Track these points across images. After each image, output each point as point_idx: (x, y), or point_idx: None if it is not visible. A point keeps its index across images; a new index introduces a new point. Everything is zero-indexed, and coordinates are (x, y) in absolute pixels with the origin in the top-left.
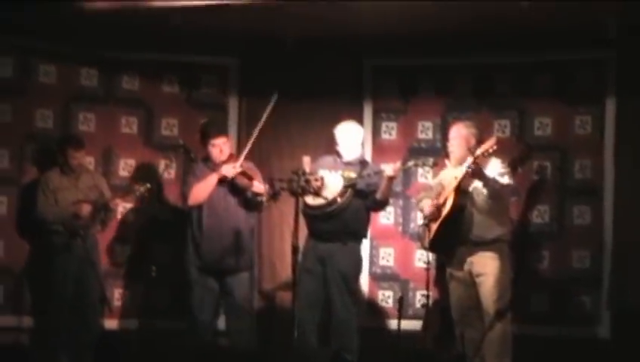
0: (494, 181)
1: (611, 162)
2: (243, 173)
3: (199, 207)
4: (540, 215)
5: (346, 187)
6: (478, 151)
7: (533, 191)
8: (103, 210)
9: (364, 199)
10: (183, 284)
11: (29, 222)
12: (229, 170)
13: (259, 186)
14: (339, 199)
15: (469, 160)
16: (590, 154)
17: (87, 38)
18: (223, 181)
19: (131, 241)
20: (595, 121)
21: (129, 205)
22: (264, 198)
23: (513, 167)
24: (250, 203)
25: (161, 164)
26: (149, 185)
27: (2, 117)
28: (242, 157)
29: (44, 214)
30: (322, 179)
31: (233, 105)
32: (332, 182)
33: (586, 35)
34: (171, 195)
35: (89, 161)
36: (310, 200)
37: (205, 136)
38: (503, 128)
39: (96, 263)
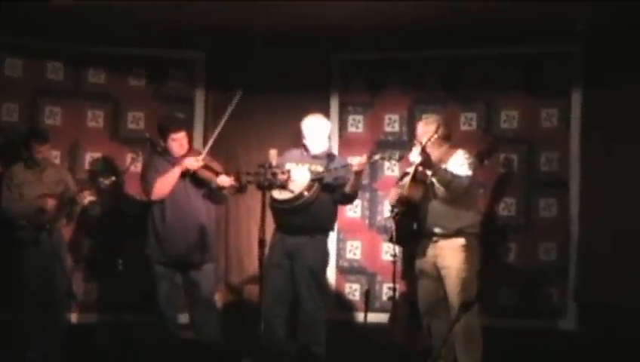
0: (444, 171)
1: (577, 155)
2: (206, 166)
3: (161, 201)
4: (507, 207)
5: (312, 181)
6: (423, 141)
7: (499, 183)
8: (69, 204)
9: (333, 193)
10: (151, 278)
11: None
12: (193, 163)
13: (224, 179)
14: (306, 193)
15: (417, 151)
16: (556, 146)
17: (53, 31)
18: (185, 174)
19: (98, 235)
20: (561, 113)
21: (95, 198)
22: (229, 191)
23: (480, 159)
24: (214, 195)
25: (128, 158)
26: (113, 178)
27: None
28: (206, 151)
29: (8, 209)
30: (289, 172)
31: (200, 99)
32: (299, 176)
33: (554, 27)
34: (138, 189)
35: (55, 155)
36: (277, 194)
37: (165, 131)
38: (469, 121)
39: (63, 257)
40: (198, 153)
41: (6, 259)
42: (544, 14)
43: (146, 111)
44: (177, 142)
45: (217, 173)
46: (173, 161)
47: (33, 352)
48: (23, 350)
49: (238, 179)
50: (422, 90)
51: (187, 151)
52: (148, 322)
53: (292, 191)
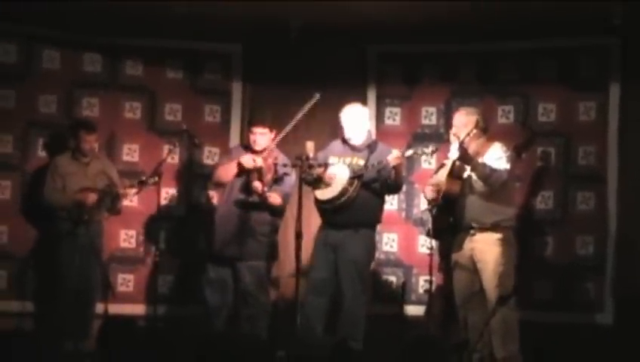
0: (483, 165)
1: (615, 148)
2: (258, 170)
3: (222, 194)
4: (544, 201)
5: (352, 178)
6: (462, 136)
7: (536, 177)
8: (110, 197)
9: (379, 186)
10: (190, 270)
11: (35, 207)
12: (248, 161)
13: (257, 185)
14: (346, 191)
15: (456, 145)
16: (594, 140)
17: (91, 23)
18: (242, 170)
19: (138, 227)
20: (599, 107)
21: (134, 190)
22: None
23: (517, 153)
24: (268, 206)
25: (165, 150)
26: (156, 179)
27: (6, 103)
28: (266, 152)
29: (50, 199)
30: (326, 166)
31: (236, 91)
32: (339, 172)
33: (591, 21)
34: (175, 181)
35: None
36: (319, 194)
37: (249, 123)
38: (506, 114)
39: (99, 250)
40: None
41: (44, 249)
42: (581, 7)
43: (182, 103)
44: (254, 135)
45: (260, 179)
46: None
47: (70, 342)
48: (60, 341)
49: (275, 171)
50: (459, 83)
51: (263, 149)
52: (184, 314)
53: (333, 190)
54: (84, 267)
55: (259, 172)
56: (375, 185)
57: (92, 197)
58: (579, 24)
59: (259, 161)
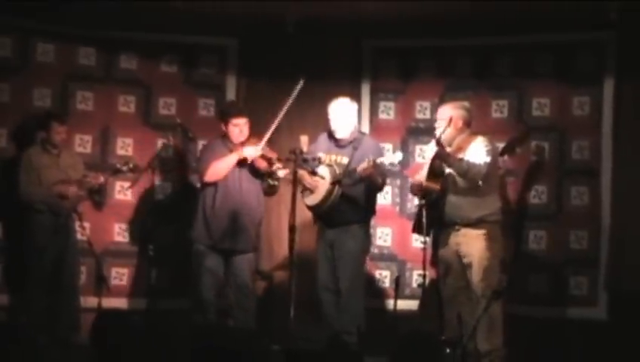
0: (460, 161)
1: (609, 143)
2: (263, 156)
3: (213, 186)
4: (538, 195)
5: (333, 183)
6: (437, 134)
7: (531, 171)
8: (94, 191)
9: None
10: (183, 263)
11: (9, 201)
12: (251, 152)
13: (279, 166)
14: (329, 197)
15: (432, 143)
16: (588, 135)
17: (85, 17)
18: (242, 162)
19: (131, 220)
20: (593, 102)
21: (127, 184)
22: (277, 182)
23: (511, 148)
24: (266, 187)
25: (159, 143)
26: (131, 166)
27: (0, 96)
28: (265, 140)
29: (28, 193)
30: (319, 160)
31: (231, 85)
32: (324, 173)
33: (586, 15)
34: (170, 174)
35: (87, 140)
36: (306, 200)
37: (226, 116)
38: (501, 109)
39: (77, 243)
40: (257, 141)
41: (21, 242)
42: (577, 2)
43: (177, 97)
44: (238, 127)
45: (273, 163)
46: (232, 147)
47: (45, 335)
48: (33, 334)
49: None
50: (453, 78)
51: (246, 139)
52: (177, 307)
53: (317, 196)
54: (62, 260)
55: (266, 158)
56: (355, 192)
57: (73, 189)
58: (574, 19)
59: (259, 150)
